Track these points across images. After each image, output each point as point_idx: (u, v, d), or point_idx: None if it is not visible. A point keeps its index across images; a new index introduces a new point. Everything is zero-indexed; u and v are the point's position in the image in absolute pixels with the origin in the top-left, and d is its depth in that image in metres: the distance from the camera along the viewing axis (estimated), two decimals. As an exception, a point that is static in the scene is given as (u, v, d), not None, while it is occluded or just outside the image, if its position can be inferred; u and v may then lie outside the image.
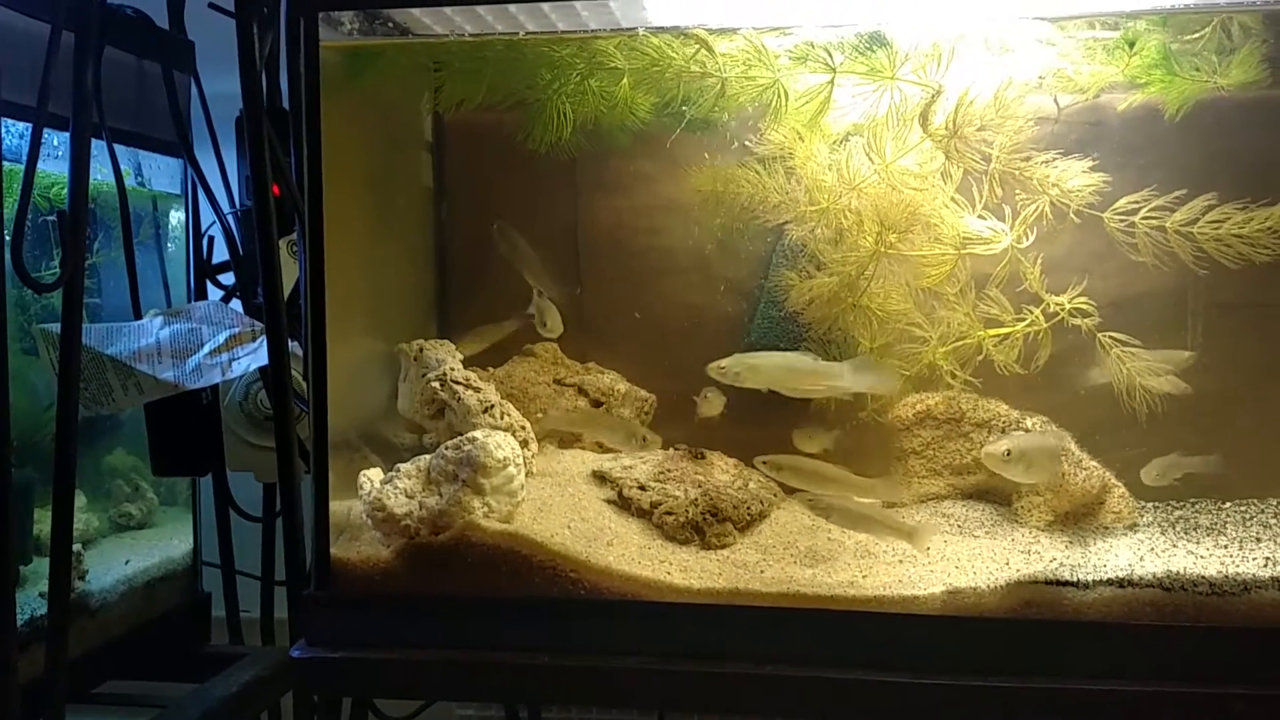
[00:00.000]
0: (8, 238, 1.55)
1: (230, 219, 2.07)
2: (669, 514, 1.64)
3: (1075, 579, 1.42)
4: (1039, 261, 1.63)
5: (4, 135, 1.63)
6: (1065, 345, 1.67)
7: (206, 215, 2.13)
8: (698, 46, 1.55)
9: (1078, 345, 1.67)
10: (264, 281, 1.61)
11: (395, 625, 1.52)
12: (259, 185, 1.66)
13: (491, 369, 1.92)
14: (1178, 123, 1.67)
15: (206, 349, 1.82)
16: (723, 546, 1.61)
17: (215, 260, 2.20)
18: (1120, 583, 1.41)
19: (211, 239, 2.18)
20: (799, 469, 1.66)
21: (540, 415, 1.84)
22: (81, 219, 1.61)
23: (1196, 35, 1.54)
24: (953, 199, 1.63)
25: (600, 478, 1.75)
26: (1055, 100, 1.68)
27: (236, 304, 2.06)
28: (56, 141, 1.82)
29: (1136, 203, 1.56)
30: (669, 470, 1.74)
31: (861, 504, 1.59)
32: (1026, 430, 1.65)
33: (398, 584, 1.53)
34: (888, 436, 1.78)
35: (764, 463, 1.67)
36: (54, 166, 1.86)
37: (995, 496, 1.71)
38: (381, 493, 1.55)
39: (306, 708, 1.60)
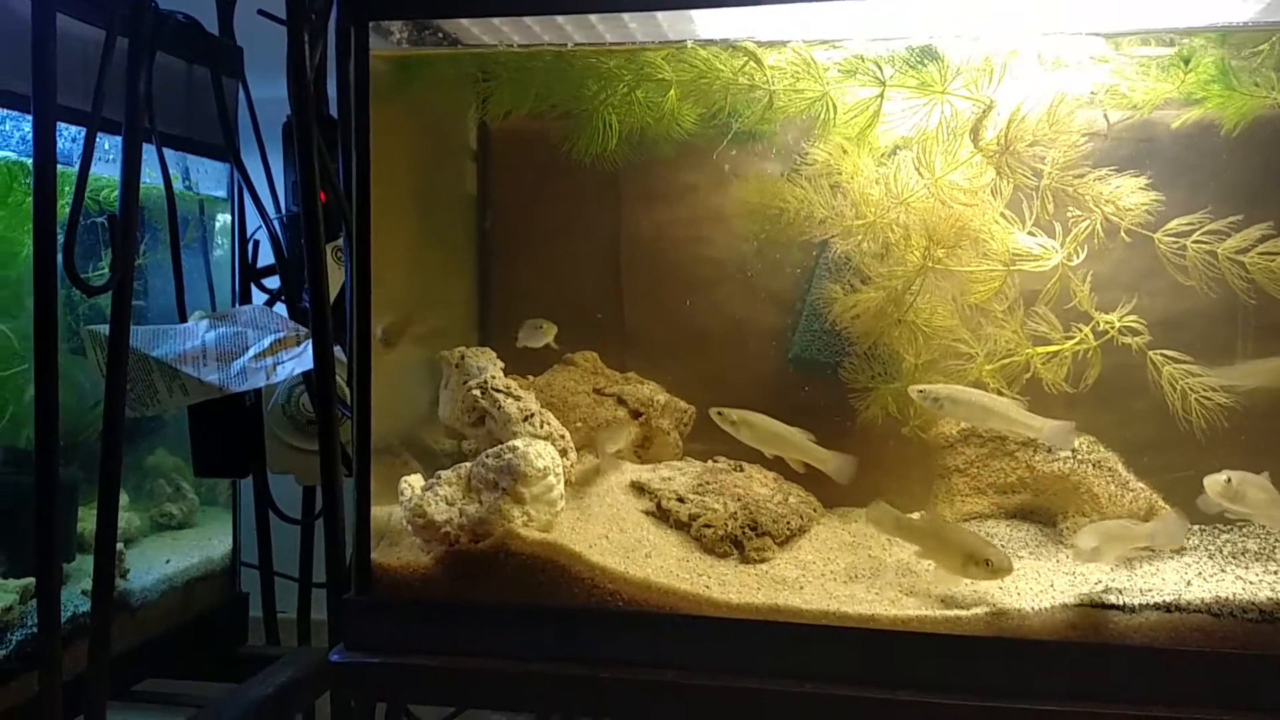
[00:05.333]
0: (60, 239, 1.57)
1: (276, 224, 2.09)
2: (708, 526, 1.63)
3: (1121, 603, 1.39)
4: (1088, 279, 1.60)
5: (57, 139, 1.65)
6: (1112, 364, 1.65)
7: (252, 220, 2.16)
8: (746, 59, 1.54)
9: (1125, 364, 1.64)
10: (311, 287, 1.62)
11: (434, 632, 1.53)
12: (307, 193, 1.67)
13: (531, 377, 1.92)
14: (1231, 141, 1.64)
15: (251, 353, 1.84)
16: (762, 561, 1.60)
17: (260, 264, 2.23)
18: (1167, 607, 1.39)
19: (257, 243, 2.20)
20: (752, 424, 1.68)
21: (580, 425, 1.84)
22: (132, 222, 1.63)
23: (1255, 50, 1.51)
24: (1002, 214, 1.61)
25: (639, 488, 1.74)
26: (1105, 115, 1.65)
27: (281, 308, 2.08)
28: (107, 145, 1.85)
29: (1190, 225, 1.53)
30: (708, 483, 1.73)
31: (778, 426, 1.63)
32: (1074, 450, 1.62)
33: (437, 590, 1.53)
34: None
35: (718, 414, 1.69)
36: (103, 170, 1.88)
37: (1040, 517, 1.68)
38: (423, 499, 1.55)
39: (344, 712, 1.61)
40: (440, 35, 1.60)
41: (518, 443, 1.57)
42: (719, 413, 1.70)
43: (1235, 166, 1.68)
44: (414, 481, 1.61)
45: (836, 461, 1.67)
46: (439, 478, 1.58)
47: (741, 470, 1.80)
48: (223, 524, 2.31)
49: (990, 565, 1.42)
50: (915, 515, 1.63)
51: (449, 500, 1.56)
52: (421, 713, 2.04)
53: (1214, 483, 1.46)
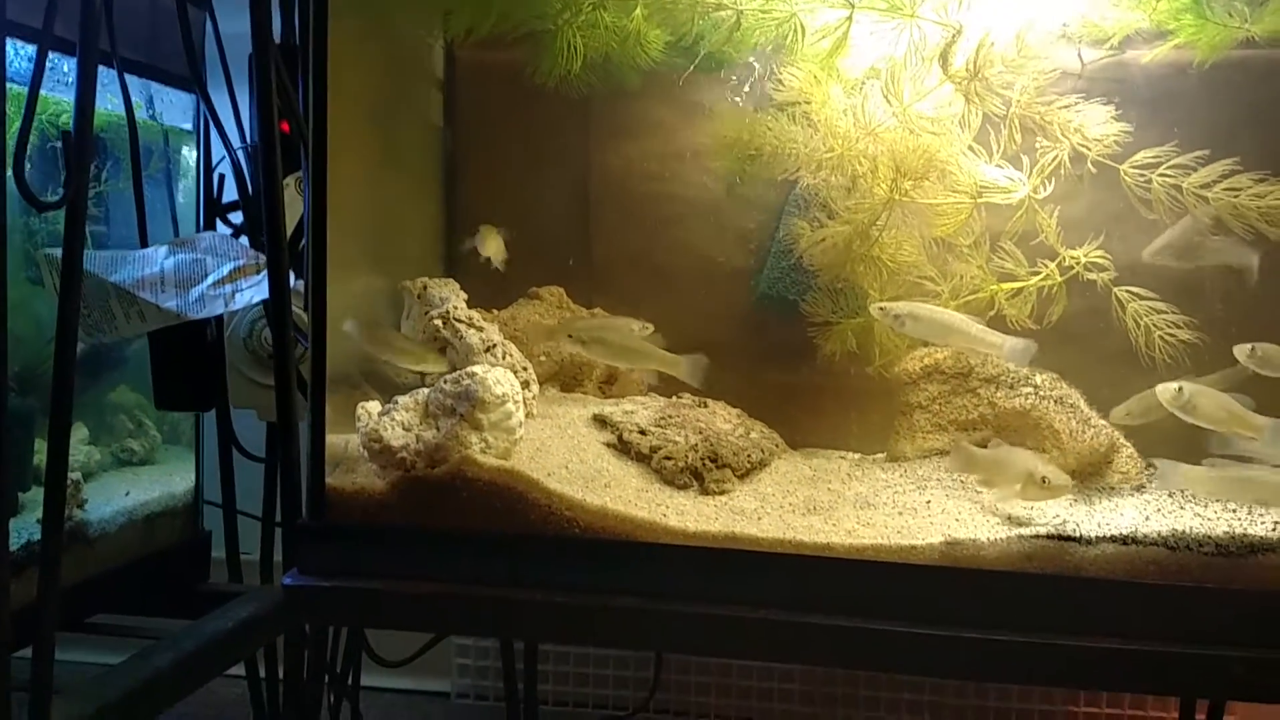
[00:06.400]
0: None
1: (241, 155, 2.05)
2: (668, 459, 1.62)
3: (1078, 535, 1.39)
4: (1055, 215, 1.59)
5: (13, 57, 1.61)
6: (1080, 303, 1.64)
7: (220, 153, 2.12)
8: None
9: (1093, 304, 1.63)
10: (265, 213, 1.60)
11: (388, 557, 1.51)
12: (264, 117, 1.64)
13: (496, 310, 1.90)
14: (1206, 80, 1.62)
15: (210, 279, 1.81)
16: (721, 493, 1.59)
17: (227, 199, 2.19)
18: (1124, 540, 1.39)
19: (223, 177, 2.17)
20: (605, 341, 1.68)
21: (544, 358, 1.82)
22: (86, 138, 1.59)
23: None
24: (970, 148, 1.59)
25: (601, 422, 1.73)
26: (1079, 54, 1.63)
27: (246, 242, 2.05)
28: (67, 68, 1.81)
29: (1156, 158, 1.51)
30: (670, 416, 1.72)
31: (626, 337, 1.64)
32: (1036, 386, 1.61)
33: (392, 516, 1.52)
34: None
35: (569, 336, 1.69)
36: (68, 94, 1.84)
37: (1001, 454, 1.67)
38: (378, 424, 1.53)
39: (297, 636, 1.59)
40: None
41: (476, 368, 1.55)
42: (569, 337, 1.68)
43: (1209, 107, 1.67)
44: (371, 408, 1.59)
45: (687, 364, 1.67)
46: (396, 403, 1.57)
47: (705, 406, 1.79)
48: (186, 462, 2.28)
49: (1047, 483, 1.42)
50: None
51: (406, 426, 1.54)
52: (385, 652, 2.04)
53: (1165, 391, 1.46)
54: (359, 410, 1.59)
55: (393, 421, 1.54)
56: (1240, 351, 1.52)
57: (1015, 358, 1.57)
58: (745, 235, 1.90)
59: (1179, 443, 1.55)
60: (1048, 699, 2.42)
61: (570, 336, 1.67)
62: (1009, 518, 1.45)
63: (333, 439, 1.57)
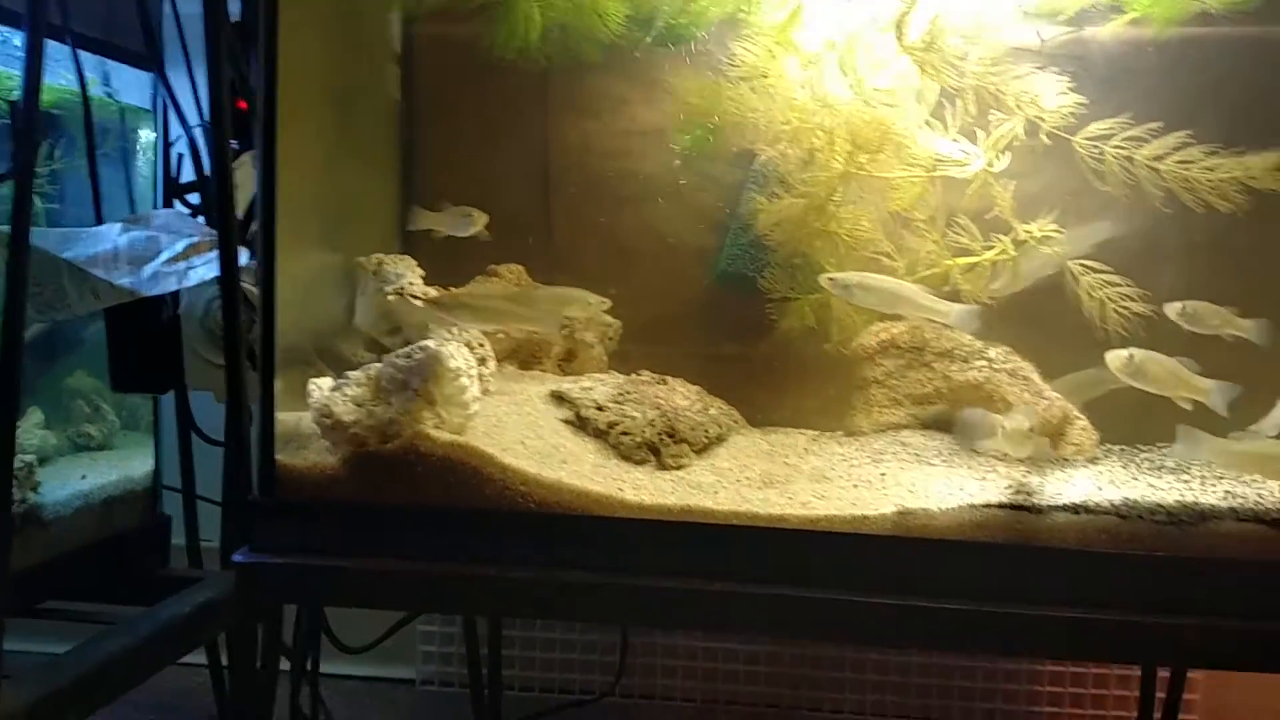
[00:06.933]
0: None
1: (199, 134, 2.03)
2: (625, 434, 1.61)
3: (1029, 504, 1.39)
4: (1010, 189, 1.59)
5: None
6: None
7: (178, 133, 2.10)
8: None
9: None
10: (215, 187, 1.58)
11: (341, 533, 1.50)
12: (214, 92, 1.62)
13: (453, 288, 1.89)
14: (1167, 58, 1.63)
15: (164, 256, 1.79)
16: (678, 468, 1.59)
17: (186, 179, 2.17)
18: (1075, 509, 1.39)
19: (180, 156, 2.15)
20: (473, 307, 1.65)
21: (502, 335, 1.81)
22: (33, 109, 1.57)
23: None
24: (927, 122, 1.59)
25: (559, 398, 1.72)
26: (1038, 32, 1.64)
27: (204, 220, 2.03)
28: (19, 42, 1.78)
29: (1109, 130, 1.52)
30: (629, 393, 1.71)
31: (492, 300, 1.64)
32: (989, 360, 1.61)
33: (344, 492, 1.50)
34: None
35: (432, 302, 1.66)
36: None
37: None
38: (329, 399, 1.52)
39: (251, 615, 1.58)
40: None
41: (429, 342, 1.53)
42: (432, 301, 1.66)
43: (1168, 85, 1.67)
44: (323, 383, 1.57)
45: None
46: (348, 378, 1.55)
47: (665, 383, 1.78)
48: (144, 447, 2.26)
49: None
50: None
51: (357, 401, 1.52)
52: (347, 637, 2.02)
53: (1115, 358, 1.47)
54: (310, 386, 1.57)
55: (344, 397, 1.52)
56: (1171, 309, 1.53)
57: (963, 324, 1.57)
58: (707, 211, 1.89)
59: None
60: (1013, 677, 2.43)
61: (434, 304, 1.64)
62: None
63: (286, 416, 1.56)
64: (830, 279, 1.57)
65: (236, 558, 1.50)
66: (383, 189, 1.99)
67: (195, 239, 1.82)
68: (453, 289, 1.78)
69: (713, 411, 1.71)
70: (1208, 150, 1.49)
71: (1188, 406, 1.52)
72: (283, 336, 1.54)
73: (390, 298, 1.66)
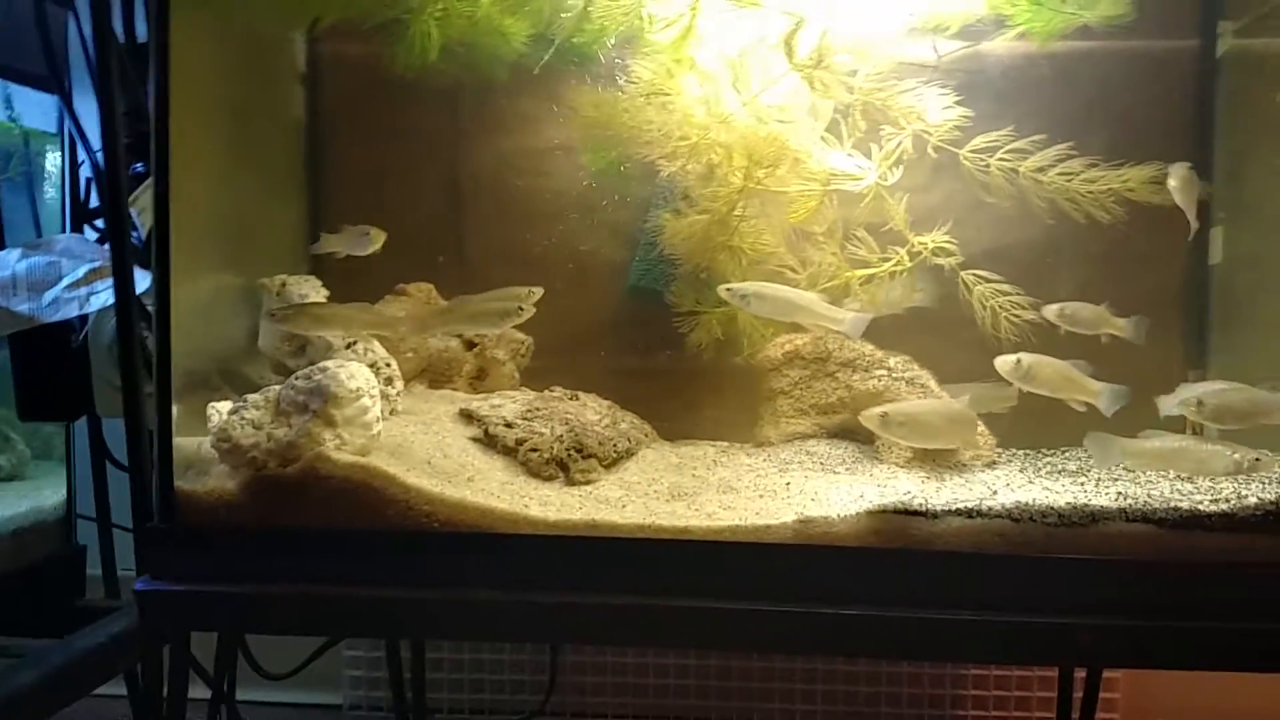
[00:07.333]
0: None
1: (100, 158, 2.00)
2: (534, 450, 1.61)
3: (924, 509, 1.41)
4: (904, 201, 1.62)
5: None
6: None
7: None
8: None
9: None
10: (107, 209, 1.56)
11: (242, 559, 1.48)
12: (105, 113, 1.60)
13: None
14: (1056, 76, 1.68)
15: (65, 282, 1.77)
16: (587, 483, 1.59)
17: (95, 204, 2.14)
18: (969, 513, 1.41)
19: (89, 180, 2.12)
20: (320, 317, 1.64)
21: (410, 354, 1.80)
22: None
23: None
24: (822, 138, 1.62)
25: (468, 416, 1.72)
26: (934, 46, 1.67)
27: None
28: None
29: (993, 142, 1.56)
30: (538, 409, 1.71)
31: (343, 310, 1.63)
32: (889, 369, 1.64)
33: (244, 517, 1.48)
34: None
35: (284, 317, 1.62)
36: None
37: (859, 436, 1.70)
38: (227, 423, 1.50)
39: (155, 644, 1.55)
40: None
41: (328, 363, 1.53)
42: (283, 315, 1.63)
43: (1058, 102, 1.72)
44: (221, 407, 1.55)
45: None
46: (246, 401, 1.53)
47: (577, 399, 1.78)
48: (57, 477, 2.22)
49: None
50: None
51: (256, 424, 1.51)
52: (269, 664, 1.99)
53: (1004, 363, 1.50)
54: (209, 410, 1.56)
55: (242, 420, 1.50)
56: (1050, 311, 1.58)
57: (854, 330, 1.60)
58: (617, 227, 1.91)
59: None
60: (936, 682, 2.46)
61: (284, 317, 1.62)
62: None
63: (187, 441, 1.54)
64: (728, 289, 1.59)
65: (138, 585, 1.48)
66: (289, 209, 1.98)
67: (98, 264, 1.79)
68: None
69: (623, 426, 1.72)
70: (1088, 163, 1.53)
71: (1081, 409, 1.55)
72: (184, 360, 1.52)
73: (268, 317, 1.65)
